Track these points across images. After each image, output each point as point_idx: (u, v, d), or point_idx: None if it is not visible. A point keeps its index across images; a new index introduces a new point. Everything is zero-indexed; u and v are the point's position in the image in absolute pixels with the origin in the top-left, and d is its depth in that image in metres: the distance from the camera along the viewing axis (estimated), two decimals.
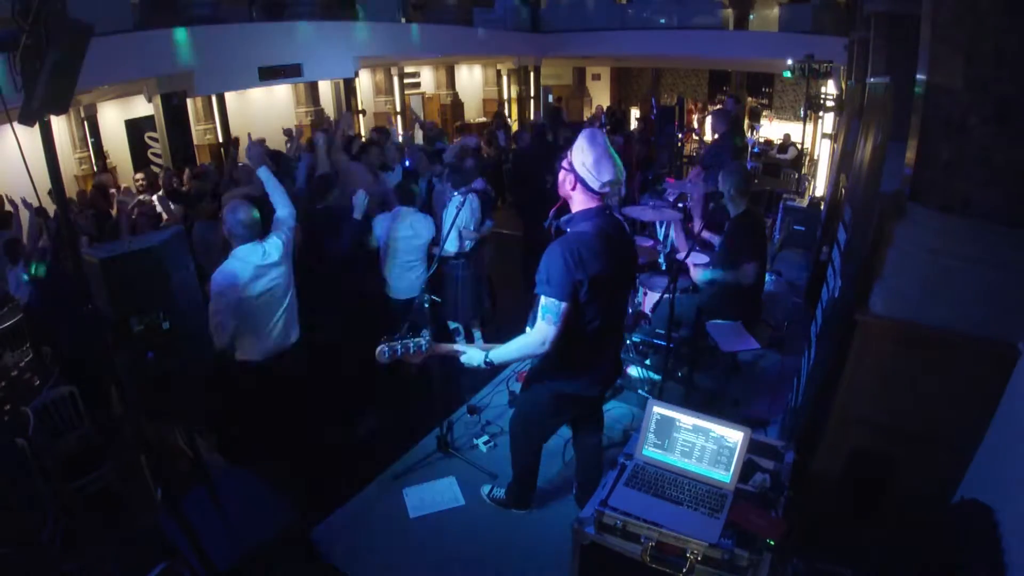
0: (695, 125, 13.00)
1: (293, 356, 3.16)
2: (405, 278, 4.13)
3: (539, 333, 2.22)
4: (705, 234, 4.03)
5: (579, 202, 2.30)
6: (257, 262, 2.90)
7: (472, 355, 2.35)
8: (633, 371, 4.29)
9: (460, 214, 3.85)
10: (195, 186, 5.51)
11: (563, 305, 2.18)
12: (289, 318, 3.12)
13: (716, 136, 6.24)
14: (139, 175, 6.75)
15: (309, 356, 3.33)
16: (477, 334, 4.77)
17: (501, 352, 2.33)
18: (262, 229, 2.98)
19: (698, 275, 3.76)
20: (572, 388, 2.50)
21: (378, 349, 2.25)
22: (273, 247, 2.97)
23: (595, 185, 2.21)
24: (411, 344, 2.25)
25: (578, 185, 2.25)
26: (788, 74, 9.69)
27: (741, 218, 3.68)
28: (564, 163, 2.29)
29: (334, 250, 3.68)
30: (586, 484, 2.97)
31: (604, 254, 2.22)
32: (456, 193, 4.14)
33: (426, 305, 3.37)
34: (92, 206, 5.82)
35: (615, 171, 2.21)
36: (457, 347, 2.40)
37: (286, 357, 3.12)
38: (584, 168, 2.21)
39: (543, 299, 2.21)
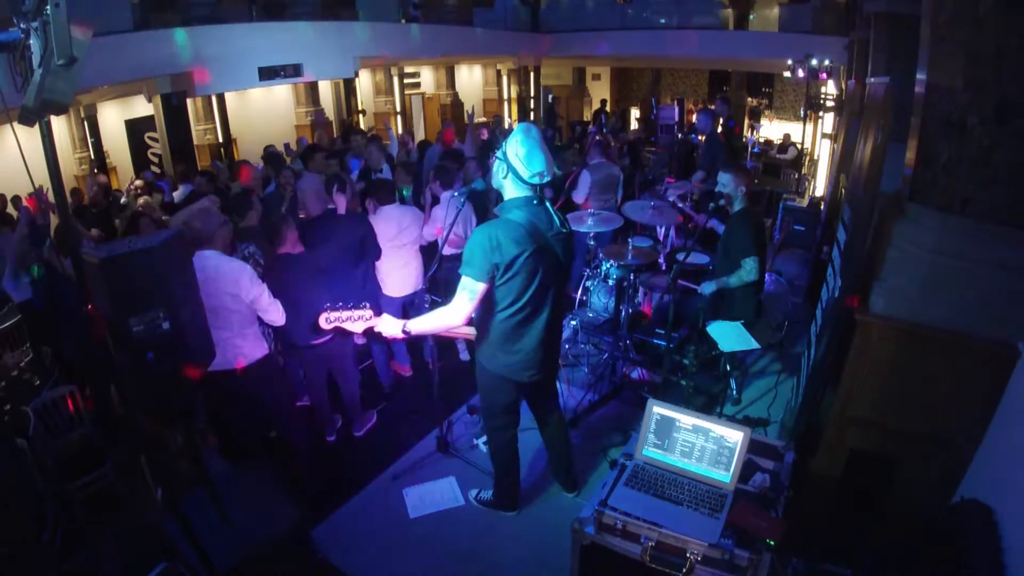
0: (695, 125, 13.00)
1: (242, 377, 3.04)
2: (398, 275, 4.13)
3: (454, 307, 2.39)
4: (713, 222, 4.04)
5: (510, 191, 2.42)
6: (198, 267, 2.80)
7: (388, 323, 2.45)
8: (633, 372, 4.30)
9: (460, 213, 3.85)
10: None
11: (479, 285, 2.33)
12: (230, 340, 2.99)
13: (703, 136, 6.26)
14: (138, 181, 6.73)
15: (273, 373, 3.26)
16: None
17: (419, 322, 2.48)
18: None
19: (705, 290, 3.76)
20: (502, 370, 2.59)
21: (321, 316, 2.42)
22: (220, 263, 2.91)
23: (525, 175, 2.34)
24: (353, 315, 2.43)
25: (509, 174, 2.37)
26: (789, 74, 9.70)
27: (738, 216, 3.70)
28: (498, 151, 2.41)
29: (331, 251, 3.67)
30: (558, 459, 3.11)
31: (524, 243, 2.31)
32: (455, 193, 4.14)
33: (427, 305, 3.38)
34: (94, 205, 5.83)
35: (545, 163, 2.34)
36: (379, 320, 2.47)
37: (235, 376, 3.02)
38: (516, 158, 2.34)
39: (463, 277, 2.35)
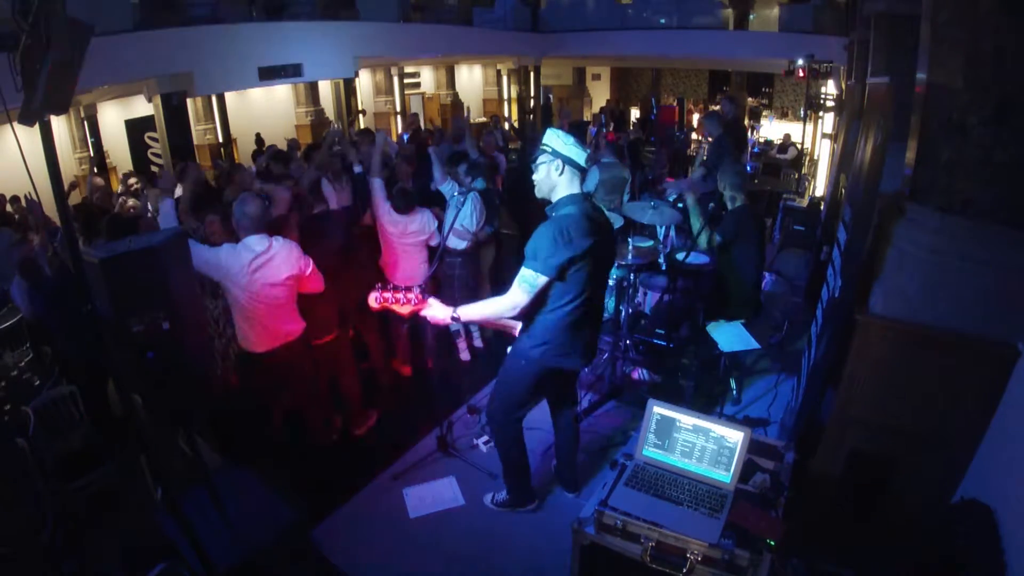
0: (695, 125, 13.00)
1: (292, 349, 3.16)
2: (403, 266, 4.13)
3: (512, 298, 2.40)
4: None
5: (563, 188, 2.46)
6: (259, 251, 2.94)
7: (437, 309, 2.46)
8: (633, 372, 4.29)
9: (460, 212, 3.86)
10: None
11: (540, 279, 2.36)
12: (288, 314, 3.13)
13: (711, 138, 6.26)
14: (133, 179, 6.70)
15: (308, 351, 3.32)
16: (476, 333, 4.77)
17: (470, 309, 2.48)
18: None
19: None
20: (557, 362, 2.60)
21: (371, 295, 2.44)
22: (281, 245, 3.03)
23: (581, 160, 2.41)
24: (401, 298, 2.42)
25: (565, 168, 2.42)
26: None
27: (736, 211, 3.72)
28: (542, 157, 2.44)
29: (329, 245, 3.68)
30: (566, 457, 3.11)
31: (590, 233, 2.38)
32: (456, 192, 4.14)
33: None
34: (101, 209, 5.78)
35: (586, 148, 2.46)
36: (427, 304, 2.46)
37: (286, 350, 3.13)
38: (567, 147, 2.40)
39: (524, 269, 2.37)
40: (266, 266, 2.95)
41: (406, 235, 4.04)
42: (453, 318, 2.45)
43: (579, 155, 2.40)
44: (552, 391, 2.92)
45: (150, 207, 4.71)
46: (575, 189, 2.45)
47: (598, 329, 2.77)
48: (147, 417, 2.68)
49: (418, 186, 4.79)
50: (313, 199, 3.87)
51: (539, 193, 2.52)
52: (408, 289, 2.44)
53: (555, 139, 2.42)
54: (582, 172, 2.45)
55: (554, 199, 2.48)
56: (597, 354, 4.38)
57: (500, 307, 2.43)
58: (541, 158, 2.44)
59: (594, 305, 2.59)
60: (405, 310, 2.43)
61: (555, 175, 2.43)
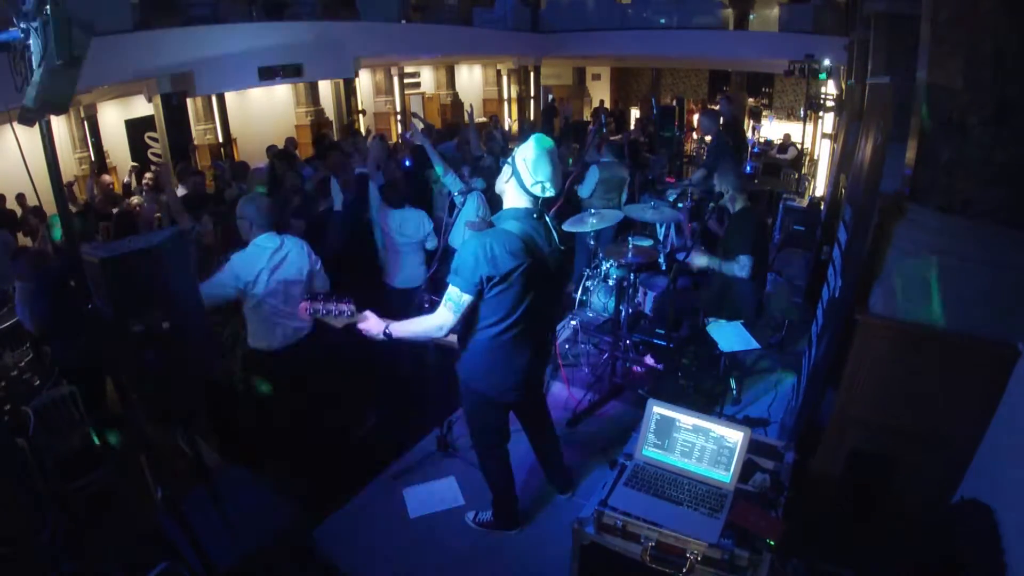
0: (695, 125, 13.01)
1: (307, 347, 3.18)
2: (402, 267, 4.14)
3: (438, 318, 2.29)
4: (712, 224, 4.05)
5: (511, 198, 2.34)
6: (273, 249, 2.96)
7: (371, 323, 2.34)
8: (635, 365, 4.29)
9: (462, 212, 3.86)
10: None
11: (466, 296, 2.23)
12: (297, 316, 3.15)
13: (709, 138, 6.28)
14: (147, 174, 6.73)
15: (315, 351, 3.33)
16: None
17: (401, 326, 2.36)
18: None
19: (696, 260, 3.81)
20: (485, 390, 2.49)
21: (302, 304, 2.32)
22: (292, 242, 3.06)
23: (527, 182, 2.25)
24: (334, 309, 2.28)
25: (512, 179, 2.29)
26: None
27: (739, 214, 3.72)
28: (509, 158, 2.33)
29: (329, 244, 3.70)
30: (548, 464, 3.07)
31: (520, 256, 2.22)
32: (456, 193, 4.14)
33: (426, 305, 3.38)
34: (102, 212, 5.79)
35: (551, 174, 2.24)
36: (362, 317, 2.35)
37: (299, 348, 3.14)
38: (523, 163, 2.25)
39: (449, 287, 2.25)
40: (284, 263, 2.97)
41: (401, 234, 4.05)
42: (386, 333, 2.33)
43: (527, 176, 2.23)
44: (519, 410, 2.82)
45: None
46: (524, 204, 2.31)
47: (536, 365, 2.56)
48: (145, 417, 2.68)
49: (415, 185, 4.81)
50: (320, 197, 3.89)
51: (496, 188, 2.42)
52: (341, 300, 2.30)
53: (523, 150, 2.26)
54: (532, 198, 2.29)
55: (504, 204, 2.37)
56: (596, 356, 4.42)
57: (428, 326, 2.30)
58: (509, 159, 2.32)
59: (530, 335, 2.40)
60: (339, 323, 2.31)
61: (503, 181, 2.34)
